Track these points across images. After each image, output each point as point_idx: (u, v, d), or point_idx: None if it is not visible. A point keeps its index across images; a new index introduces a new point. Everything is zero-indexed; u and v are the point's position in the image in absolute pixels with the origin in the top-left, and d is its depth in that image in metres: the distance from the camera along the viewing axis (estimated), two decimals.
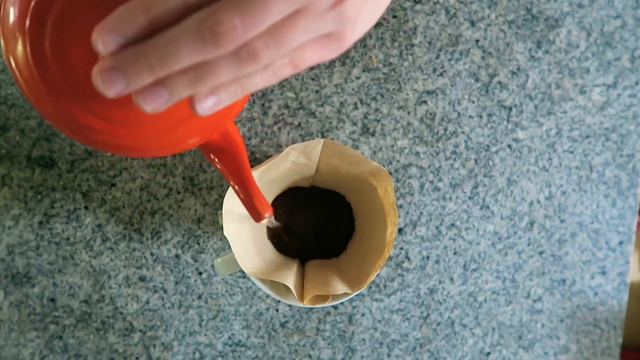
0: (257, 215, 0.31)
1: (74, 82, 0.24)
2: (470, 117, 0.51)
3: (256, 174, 0.39)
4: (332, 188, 0.45)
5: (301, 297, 0.40)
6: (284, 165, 0.39)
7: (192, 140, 0.28)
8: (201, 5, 0.21)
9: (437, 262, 0.51)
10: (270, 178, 0.40)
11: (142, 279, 0.50)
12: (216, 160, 0.30)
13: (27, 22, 0.23)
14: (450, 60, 0.50)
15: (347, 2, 0.23)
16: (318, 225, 0.45)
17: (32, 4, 0.23)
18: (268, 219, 0.32)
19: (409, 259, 0.51)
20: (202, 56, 0.21)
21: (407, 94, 0.50)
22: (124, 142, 0.27)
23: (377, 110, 0.50)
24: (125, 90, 0.21)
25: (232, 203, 0.39)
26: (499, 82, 0.51)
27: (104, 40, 0.21)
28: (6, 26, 0.24)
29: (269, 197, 0.45)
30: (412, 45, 0.50)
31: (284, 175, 0.41)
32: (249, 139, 0.49)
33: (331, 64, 0.50)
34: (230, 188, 0.38)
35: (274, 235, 0.45)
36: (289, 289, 0.42)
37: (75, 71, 0.24)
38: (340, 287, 0.40)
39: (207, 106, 0.23)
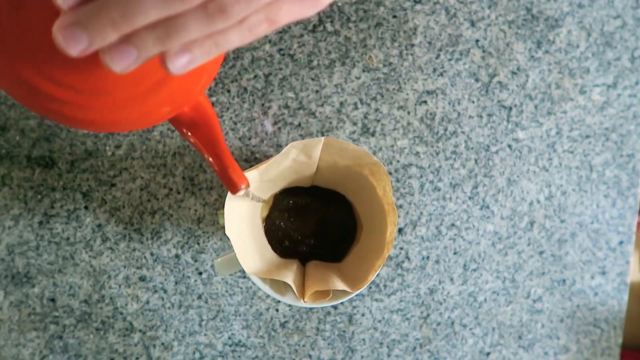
0: (233, 186, 0.30)
1: (32, 44, 0.22)
2: (470, 117, 0.51)
3: (256, 172, 0.39)
4: (333, 188, 0.45)
5: (302, 295, 0.40)
6: (284, 164, 0.39)
7: (163, 111, 0.27)
8: None
9: (437, 262, 0.51)
10: (270, 177, 0.40)
11: (142, 279, 0.50)
12: (189, 134, 0.29)
13: None
14: (450, 60, 0.50)
15: None
16: (319, 227, 0.45)
17: None
18: (244, 191, 0.31)
19: (409, 259, 0.51)
20: (167, 10, 0.20)
21: (407, 94, 0.50)
22: (91, 114, 0.25)
23: (377, 110, 0.50)
24: (89, 48, 0.20)
25: (233, 202, 0.39)
26: (499, 82, 0.51)
27: None
28: None
29: (269, 195, 0.45)
30: (412, 45, 0.50)
31: (284, 174, 0.41)
32: (249, 139, 0.49)
33: (331, 64, 0.50)
34: None
35: (274, 241, 0.45)
36: (290, 288, 0.42)
37: (34, 33, 0.22)
38: (340, 285, 0.40)
39: (179, 64, 0.22)
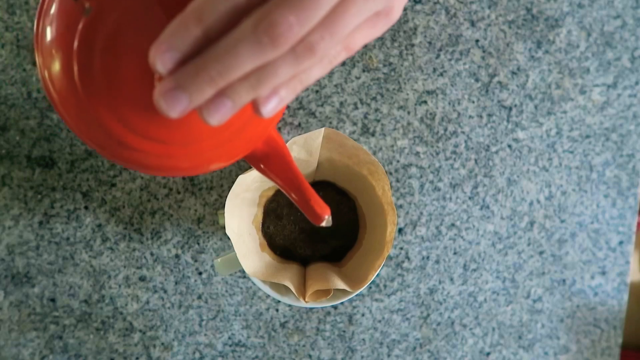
0: (316, 218, 0.30)
1: (126, 104, 0.23)
2: (470, 117, 0.51)
3: (257, 173, 0.39)
4: (334, 182, 0.45)
5: (302, 296, 0.40)
6: None
7: (242, 151, 0.27)
8: (251, 7, 0.21)
9: (437, 262, 0.51)
10: None
11: (142, 279, 0.50)
12: (265, 168, 0.29)
13: (75, 43, 0.22)
14: (450, 60, 0.50)
15: None
16: (320, 229, 0.45)
17: (80, 25, 0.22)
18: (327, 220, 0.31)
19: (409, 259, 0.51)
20: (261, 60, 0.21)
21: (407, 94, 0.50)
22: (179, 162, 0.26)
23: (377, 110, 0.50)
24: (189, 107, 0.21)
25: (233, 202, 0.39)
26: (499, 82, 0.51)
27: (162, 59, 0.20)
28: (44, 43, 0.23)
29: (268, 196, 0.45)
30: (412, 45, 0.50)
31: None
32: None
33: None
34: (232, 187, 0.38)
35: (274, 244, 0.45)
36: (290, 288, 0.42)
37: (127, 93, 0.23)
38: (340, 285, 0.40)
39: (271, 107, 0.23)
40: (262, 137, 0.28)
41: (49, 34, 0.23)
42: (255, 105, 0.22)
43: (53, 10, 0.23)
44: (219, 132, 0.26)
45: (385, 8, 0.23)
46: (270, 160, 0.29)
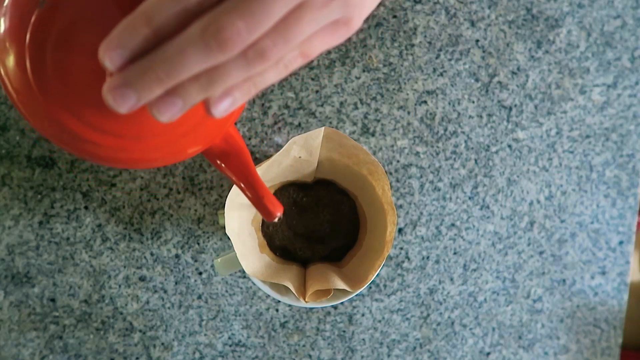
0: (269, 215, 0.31)
1: (79, 98, 0.24)
2: (470, 117, 0.51)
3: (258, 171, 0.39)
4: (335, 181, 0.45)
5: (302, 296, 0.40)
6: (285, 162, 0.39)
7: (198, 147, 0.28)
8: (202, 10, 0.21)
9: (437, 262, 0.51)
10: (271, 176, 0.40)
11: (142, 279, 0.50)
12: (222, 165, 0.30)
13: (28, 36, 0.22)
14: (450, 60, 0.50)
15: None
16: (320, 227, 0.45)
17: (33, 18, 0.22)
18: (279, 217, 0.32)
19: (409, 259, 0.51)
20: (210, 63, 0.21)
21: (407, 94, 0.50)
22: (133, 155, 0.26)
23: (377, 110, 0.50)
24: (137, 104, 0.21)
25: (233, 203, 0.39)
26: (499, 82, 0.51)
27: (110, 57, 0.21)
28: None
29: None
30: (412, 45, 0.50)
31: (285, 173, 0.41)
32: (249, 138, 0.49)
33: (331, 64, 0.50)
34: (233, 187, 0.38)
35: (276, 246, 0.45)
36: (290, 288, 0.42)
37: (80, 87, 0.23)
38: (340, 284, 0.40)
39: (222, 108, 0.23)
40: (220, 134, 0.28)
41: (2, 25, 0.23)
42: (206, 105, 0.23)
43: (7, 0, 0.23)
44: (174, 127, 0.26)
45: (344, 17, 0.23)
46: (227, 157, 0.30)
